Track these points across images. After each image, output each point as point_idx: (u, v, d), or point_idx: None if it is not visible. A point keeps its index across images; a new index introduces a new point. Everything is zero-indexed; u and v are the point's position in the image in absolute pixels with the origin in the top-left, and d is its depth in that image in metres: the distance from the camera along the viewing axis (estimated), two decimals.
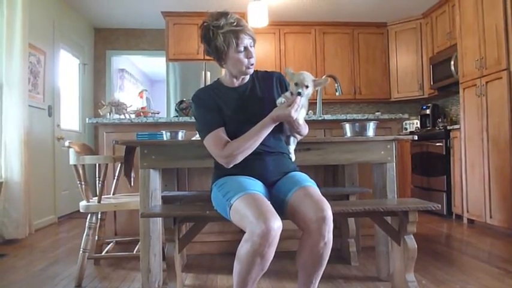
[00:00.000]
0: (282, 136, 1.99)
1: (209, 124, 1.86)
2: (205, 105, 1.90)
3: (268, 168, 1.87)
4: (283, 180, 1.85)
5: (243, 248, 1.54)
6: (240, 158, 1.80)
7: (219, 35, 1.82)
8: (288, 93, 1.84)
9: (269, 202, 1.66)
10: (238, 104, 1.90)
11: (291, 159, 1.99)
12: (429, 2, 5.57)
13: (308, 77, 1.81)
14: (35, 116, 4.40)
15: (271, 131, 1.82)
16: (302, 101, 1.79)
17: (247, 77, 1.98)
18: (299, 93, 1.76)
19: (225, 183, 1.81)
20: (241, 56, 1.84)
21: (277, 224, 1.52)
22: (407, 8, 5.79)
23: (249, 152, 1.80)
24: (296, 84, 1.80)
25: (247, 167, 1.84)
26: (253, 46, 1.89)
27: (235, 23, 1.83)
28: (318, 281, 1.72)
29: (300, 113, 1.81)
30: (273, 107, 1.80)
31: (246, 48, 1.85)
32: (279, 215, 1.59)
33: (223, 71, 1.98)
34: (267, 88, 1.96)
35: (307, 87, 1.80)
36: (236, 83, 1.96)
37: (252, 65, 1.88)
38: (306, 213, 1.62)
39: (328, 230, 1.60)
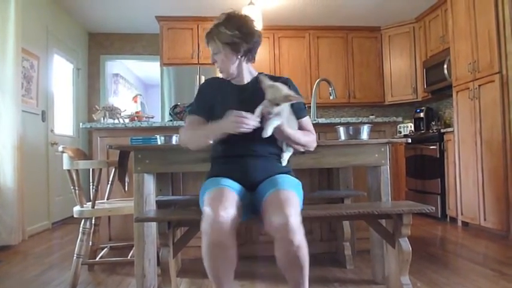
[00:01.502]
0: (274, 141, 1.92)
1: (194, 108, 2.04)
2: (204, 92, 2.05)
3: (248, 171, 1.86)
4: (264, 182, 1.81)
5: (203, 243, 1.59)
6: (183, 144, 1.98)
7: None
8: (266, 102, 1.76)
9: (232, 195, 1.68)
10: (237, 100, 1.90)
11: (281, 163, 1.96)
12: (422, 7, 5.61)
13: (279, 94, 1.73)
14: (28, 121, 4.38)
15: (258, 135, 1.75)
16: (282, 113, 1.76)
17: (246, 77, 1.99)
18: (269, 113, 1.73)
19: (208, 182, 1.87)
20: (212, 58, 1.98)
21: (228, 212, 1.55)
22: (401, 12, 5.83)
23: (193, 147, 1.93)
24: (269, 100, 1.74)
25: (228, 169, 1.88)
26: (217, 53, 1.91)
27: (209, 29, 1.93)
28: (306, 282, 1.66)
29: (273, 124, 1.75)
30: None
31: (212, 53, 1.94)
32: (259, 218, 1.64)
33: None
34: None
35: (277, 105, 1.73)
36: (237, 81, 1.99)
37: (219, 69, 1.95)
38: (270, 219, 1.56)
39: (294, 235, 1.51)
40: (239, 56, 1.92)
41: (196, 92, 2.11)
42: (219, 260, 1.58)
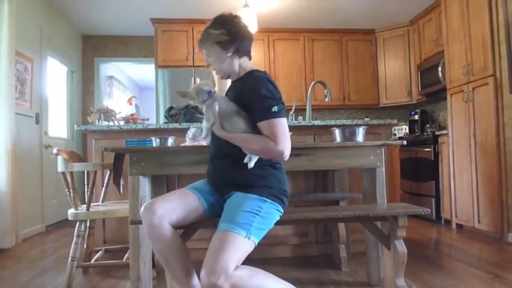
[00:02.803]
0: None
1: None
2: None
3: (215, 175, 1.87)
4: (225, 208, 1.74)
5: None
6: None
7: None
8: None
9: (179, 198, 1.78)
10: (231, 97, 1.86)
11: (247, 164, 1.77)
12: (416, 10, 5.64)
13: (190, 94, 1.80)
14: (22, 123, 4.36)
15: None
16: (210, 113, 1.74)
17: (239, 74, 1.93)
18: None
19: None
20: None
21: (157, 210, 1.67)
22: (395, 16, 5.87)
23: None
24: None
25: (207, 172, 1.96)
26: (207, 55, 1.90)
27: (200, 36, 1.93)
28: None
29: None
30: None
31: (206, 59, 1.93)
32: None
33: None
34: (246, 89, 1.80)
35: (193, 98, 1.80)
36: (233, 78, 1.96)
37: (213, 70, 1.94)
38: (202, 269, 1.49)
39: None
40: (229, 54, 1.86)
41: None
42: (154, 244, 1.73)
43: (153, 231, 1.68)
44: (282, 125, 1.68)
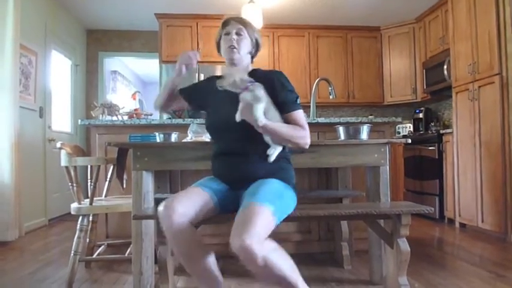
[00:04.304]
0: (259, 138, 1.83)
1: (183, 87, 2.16)
2: (199, 83, 2.26)
3: (234, 170, 1.87)
4: (251, 187, 1.75)
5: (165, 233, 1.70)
6: (154, 101, 2.17)
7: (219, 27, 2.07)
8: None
9: (196, 196, 1.75)
10: (228, 95, 1.86)
11: (268, 161, 1.84)
12: (422, 7, 5.62)
13: (233, 78, 1.80)
14: (26, 117, 4.37)
15: (247, 130, 1.77)
16: (259, 98, 1.74)
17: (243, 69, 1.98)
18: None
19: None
20: (225, 39, 1.99)
21: (178, 209, 1.64)
22: (401, 13, 5.84)
23: (158, 98, 2.15)
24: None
25: (219, 168, 1.93)
26: (242, 34, 1.98)
27: (232, 16, 2.03)
28: (298, 284, 1.57)
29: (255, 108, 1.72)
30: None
31: (229, 32, 1.98)
32: None
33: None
34: (278, 85, 1.90)
35: (222, 77, 1.83)
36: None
37: (231, 47, 1.95)
38: (232, 236, 1.50)
39: (256, 257, 1.44)
40: (250, 52, 2.04)
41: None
42: (181, 245, 1.70)
43: (175, 230, 1.63)
44: (303, 115, 1.92)
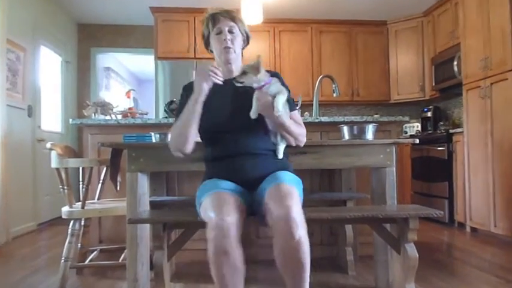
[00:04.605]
0: (268, 136, 1.96)
1: (180, 111, 2.01)
2: (186, 101, 1.98)
3: (245, 170, 1.88)
4: (264, 180, 1.83)
5: (208, 250, 1.59)
6: (174, 146, 1.95)
7: (204, 21, 2.05)
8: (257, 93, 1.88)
9: (234, 199, 1.70)
10: (227, 95, 1.93)
11: (277, 158, 1.96)
12: (431, 0, 5.62)
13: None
14: (13, 116, 4.38)
15: (251, 130, 1.89)
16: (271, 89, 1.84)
17: (237, 69, 2.00)
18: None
19: (203, 185, 1.89)
20: (217, 38, 2.00)
21: (231, 217, 1.58)
22: (408, 6, 5.85)
23: (183, 136, 1.90)
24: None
25: (226, 170, 1.91)
26: (234, 32, 2.00)
27: (219, 10, 2.02)
28: (306, 285, 1.63)
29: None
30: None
31: (221, 30, 1.98)
32: (261, 218, 1.69)
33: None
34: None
35: (243, 73, 1.84)
36: (228, 74, 2.01)
37: (226, 48, 1.97)
38: (271, 210, 1.60)
39: (295, 227, 1.54)
40: (243, 47, 2.09)
41: (182, 92, 2.12)
42: (226, 268, 1.57)
43: (228, 256, 1.55)
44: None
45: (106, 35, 6.64)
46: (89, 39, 6.61)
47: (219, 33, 1.99)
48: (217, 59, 2.07)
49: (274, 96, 1.82)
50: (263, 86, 1.84)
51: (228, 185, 1.82)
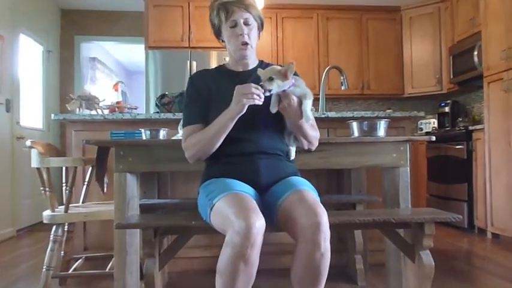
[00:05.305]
0: (283, 137, 2.01)
1: (190, 116, 2.00)
2: (196, 93, 2.03)
3: (259, 171, 1.89)
4: (277, 184, 1.87)
5: (224, 255, 1.55)
6: (197, 155, 1.94)
7: (214, 8, 2.00)
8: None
9: (254, 201, 1.69)
10: None
11: (289, 160, 2.02)
12: None
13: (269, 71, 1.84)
14: None
15: (267, 127, 1.92)
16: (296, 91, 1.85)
17: (252, 62, 2.05)
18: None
19: (211, 184, 1.87)
20: (232, 32, 1.96)
21: (259, 222, 1.54)
22: None
23: (210, 148, 1.89)
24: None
25: (237, 170, 1.89)
26: (250, 24, 1.96)
27: (227, 1, 1.94)
28: None
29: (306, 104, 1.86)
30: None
31: (236, 23, 1.94)
32: (270, 222, 1.66)
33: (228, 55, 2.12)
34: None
35: (270, 79, 1.79)
36: (240, 67, 2.04)
37: (243, 44, 1.95)
38: (298, 219, 1.62)
39: (324, 238, 1.61)
40: (258, 35, 2.06)
41: (185, 91, 2.11)
42: (242, 277, 1.54)
43: (248, 265, 1.54)
44: None
45: (92, 22, 6.63)
46: (73, 26, 6.60)
47: (234, 26, 1.95)
48: (231, 52, 2.04)
49: (298, 98, 1.85)
50: (289, 87, 1.83)
51: (242, 186, 1.81)
